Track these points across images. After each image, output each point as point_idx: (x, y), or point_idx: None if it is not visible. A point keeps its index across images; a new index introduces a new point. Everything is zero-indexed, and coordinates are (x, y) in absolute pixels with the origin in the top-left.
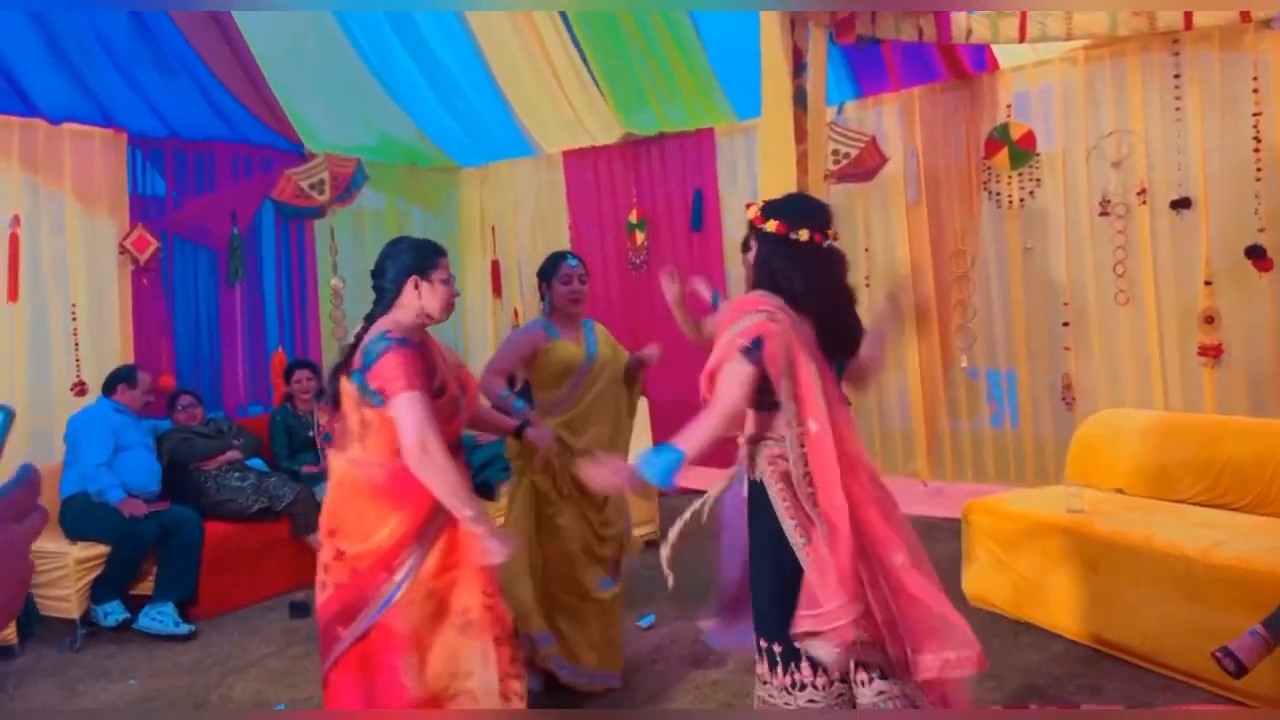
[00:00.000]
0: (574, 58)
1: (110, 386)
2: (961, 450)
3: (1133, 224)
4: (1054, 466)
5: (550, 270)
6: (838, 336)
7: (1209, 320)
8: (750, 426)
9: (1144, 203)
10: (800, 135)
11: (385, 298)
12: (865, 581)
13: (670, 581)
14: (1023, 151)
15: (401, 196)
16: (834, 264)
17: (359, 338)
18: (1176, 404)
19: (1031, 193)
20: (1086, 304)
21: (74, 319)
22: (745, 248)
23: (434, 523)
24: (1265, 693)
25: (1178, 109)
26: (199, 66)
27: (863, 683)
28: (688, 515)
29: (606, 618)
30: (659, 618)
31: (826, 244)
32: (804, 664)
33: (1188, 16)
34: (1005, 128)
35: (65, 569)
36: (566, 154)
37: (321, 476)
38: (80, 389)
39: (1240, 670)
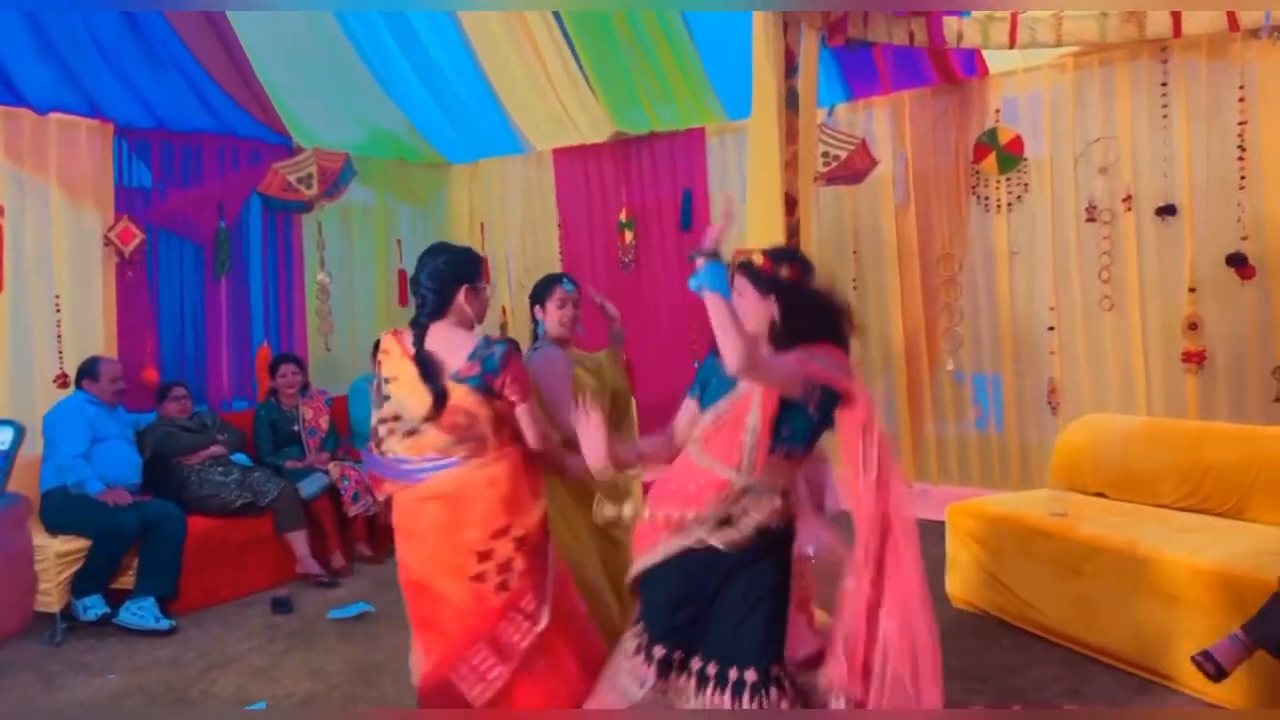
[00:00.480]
0: (566, 55)
1: (78, 379)
2: (946, 453)
3: (1118, 230)
4: (1038, 470)
5: (544, 293)
6: None
7: (1192, 327)
8: (773, 475)
9: (1129, 209)
10: (791, 136)
11: (429, 304)
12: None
13: None
14: (1011, 156)
15: (390, 192)
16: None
17: (419, 344)
18: (1160, 409)
19: (1019, 197)
20: (1072, 309)
21: (58, 310)
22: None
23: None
24: (1243, 697)
25: (1164, 117)
26: (187, 58)
27: None
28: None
29: None
30: None
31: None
32: (771, 691)
33: (1176, 25)
34: (994, 133)
35: (46, 562)
36: (556, 152)
37: (305, 472)
38: (63, 381)
39: (1220, 674)
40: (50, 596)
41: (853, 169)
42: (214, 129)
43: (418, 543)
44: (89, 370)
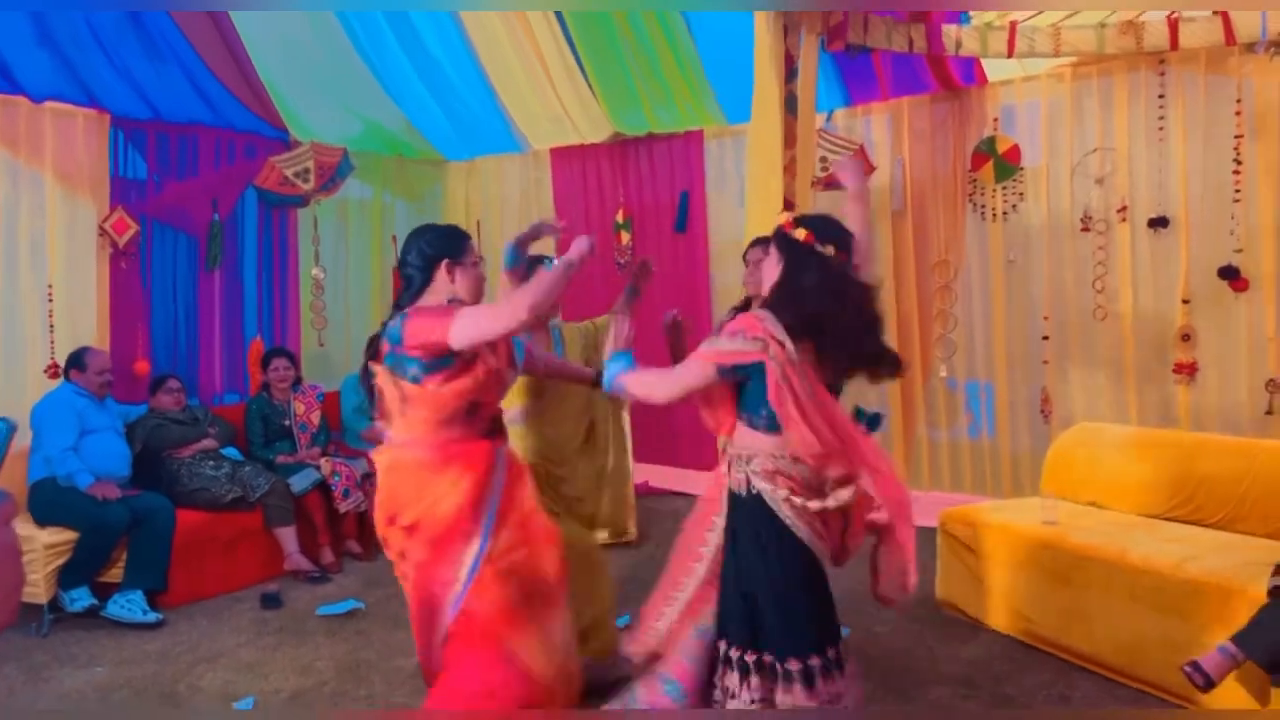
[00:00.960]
0: (566, 55)
1: (66, 371)
2: (939, 459)
3: (1113, 241)
4: (1029, 478)
5: (527, 274)
6: (849, 359)
7: (1185, 338)
8: (742, 442)
9: (1124, 220)
10: (789, 141)
11: (413, 284)
12: None
13: None
14: (1008, 165)
15: (387, 188)
16: (854, 287)
17: (384, 326)
18: (1152, 420)
19: (1015, 206)
20: (1066, 318)
21: (50, 300)
22: (764, 249)
23: (494, 490)
24: (1230, 708)
25: (1161, 129)
26: (186, 50)
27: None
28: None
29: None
30: (634, 619)
31: (850, 266)
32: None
33: (1174, 38)
34: (991, 141)
35: (34, 554)
36: (554, 151)
37: (296, 467)
38: (54, 372)
39: (1208, 685)
40: (38, 588)
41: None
42: (211, 121)
43: None
44: (76, 361)
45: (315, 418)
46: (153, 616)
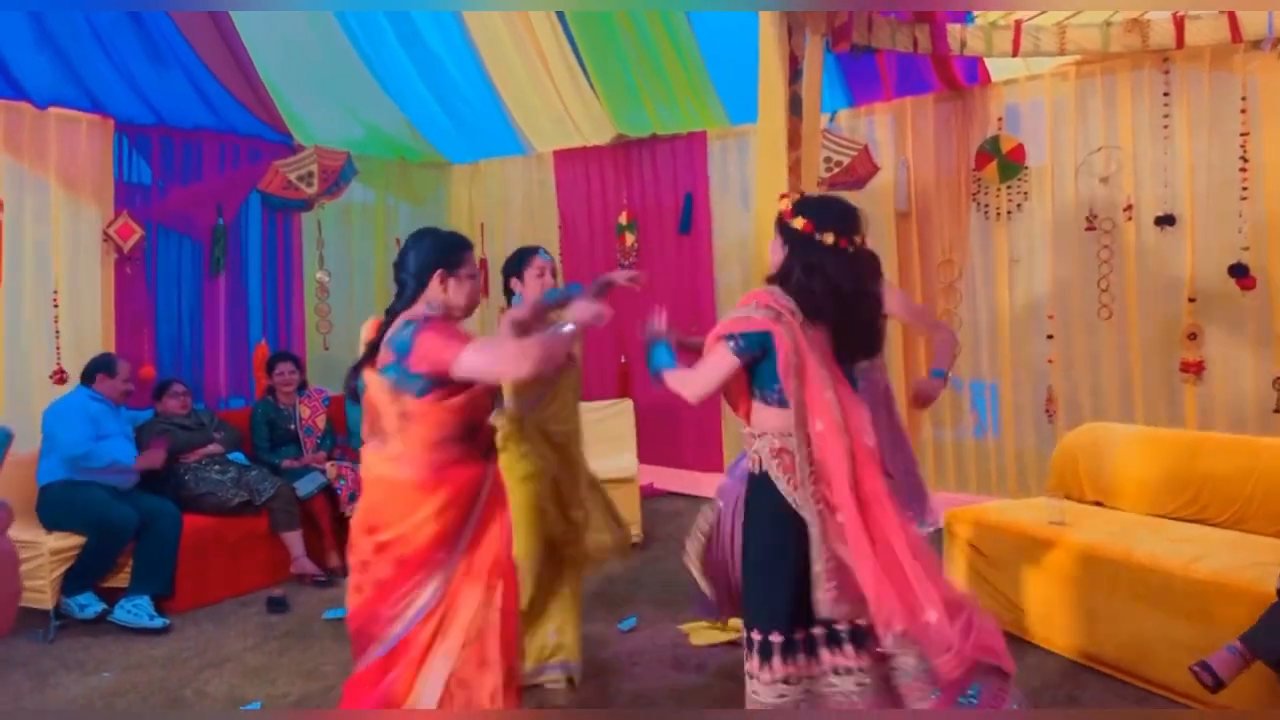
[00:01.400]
0: (569, 57)
1: (90, 375)
2: (944, 459)
3: (1118, 239)
4: (1035, 478)
5: (520, 265)
6: (855, 340)
7: (1191, 337)
8: (756, 420)
9: (1130, 219)
10: (794, 141)
11: (406, 291)
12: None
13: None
14: (1012, 164)
15: (390, 192)
16: (859, 268)
17: (382, 333)
18: (1158, 419)
19: (1020, 206)
20: (1071, 318)
21: (55, 305)
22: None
23: (469, 526)
24: (1240, 708)
25: (1166, 126)
26: (189, 54)
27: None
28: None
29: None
30: (640, 620)
31: (852, 249)
32: (800, 656)
33: (1179, 35)
34: (996, 140)
35: (40, 559)
36: (558, 153)
37: (302, 471)
38: (60, 377)
39: (1217, 685)
40: (44, 594)
41: (855, 175)
42: (215, 126)
43: None
44: (105, 366)
45: (321, 421)
46: (159, 622)
